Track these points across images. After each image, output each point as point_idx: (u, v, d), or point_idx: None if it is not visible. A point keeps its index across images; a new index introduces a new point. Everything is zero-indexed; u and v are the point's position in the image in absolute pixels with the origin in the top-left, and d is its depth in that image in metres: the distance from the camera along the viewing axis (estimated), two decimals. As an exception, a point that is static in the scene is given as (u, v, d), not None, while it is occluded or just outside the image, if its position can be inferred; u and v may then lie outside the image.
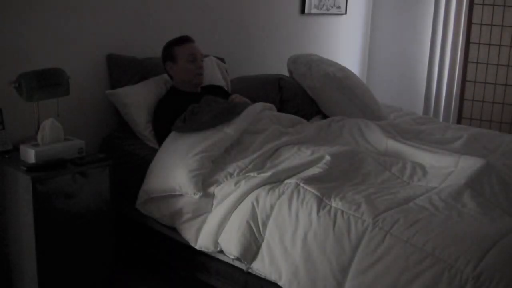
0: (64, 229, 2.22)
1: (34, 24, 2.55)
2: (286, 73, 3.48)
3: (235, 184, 2.18)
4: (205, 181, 2.24)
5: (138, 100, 2.72)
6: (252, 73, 3.44)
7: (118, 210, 2.56)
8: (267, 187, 2.12)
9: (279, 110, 2.97)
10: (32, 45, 2.55)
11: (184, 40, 2.77)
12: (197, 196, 2.21)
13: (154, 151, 2.54)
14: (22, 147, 2.27)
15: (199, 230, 2.24)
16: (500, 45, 4.07)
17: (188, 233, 2.27)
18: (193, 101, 2.64)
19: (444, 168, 2.31)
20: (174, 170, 2.28)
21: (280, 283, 2.00)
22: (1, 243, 2.35)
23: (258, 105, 2.73)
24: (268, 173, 2.18)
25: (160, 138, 2.59)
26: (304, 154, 2.36)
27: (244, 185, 2.15)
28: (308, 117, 3.11)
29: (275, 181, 2.16)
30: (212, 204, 2.22)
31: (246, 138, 2.50)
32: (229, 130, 2.46)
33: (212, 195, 2.22)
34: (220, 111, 2.53)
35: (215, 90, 2.92)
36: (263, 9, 3.73)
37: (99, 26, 2.81)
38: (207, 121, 2.47)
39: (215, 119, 2.49)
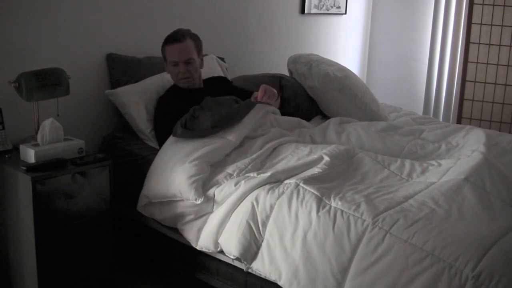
0: (64, 229, 2.22)
1: (34, 24, 2.55)
2: (286, 73, 3.48)
3: (235, 184, 2.18)
4: (205, 183, 2.23)
5: (138, 99, 2.72)
6: (252, 72, 3.43)
7: (118, 210, 2.56)
8: (267, 187, 2.12)
9: (279, 108, 2.95)
10: (32, 45, 2.55)
11: (170, 40, 2.67)
12: (198, 202, 2.19)
13: (155, 151, 2.53)
14: (22, 147, 2.27)
15: (200, 230, 2.24)
16: (500, 45, 4.06)
17: (189, 234, 2.27)
18: (194, 98, 2.61)
19: (443, 164, 2.31)
20: (174, 176, 2.25)
21: (280, 283, 2.00)
22: (1, 243, 2.35)
23: (262, 109, 2.62)
24: (268, 173, 2.18)
25: (160, 137, 2.58)
26: (302, 153, 2.35)
27: (243, 186, 2.15)
28: (308, 117, 3.10)
29: (274, 181, 2.16)
30: (213, 205, 2.21)
31: (246, 142, 2.47)
32: (231, 137, 2.41)
33: (213, 196, 2.21)
34: (221, 116, 2.44)
35: (218, 82, 2.88)
36: (263, 9, 3.73)
37: (99, 26, 2.81)
38: (207, 129, 2.41)
39: (216, 127, 2.42)
